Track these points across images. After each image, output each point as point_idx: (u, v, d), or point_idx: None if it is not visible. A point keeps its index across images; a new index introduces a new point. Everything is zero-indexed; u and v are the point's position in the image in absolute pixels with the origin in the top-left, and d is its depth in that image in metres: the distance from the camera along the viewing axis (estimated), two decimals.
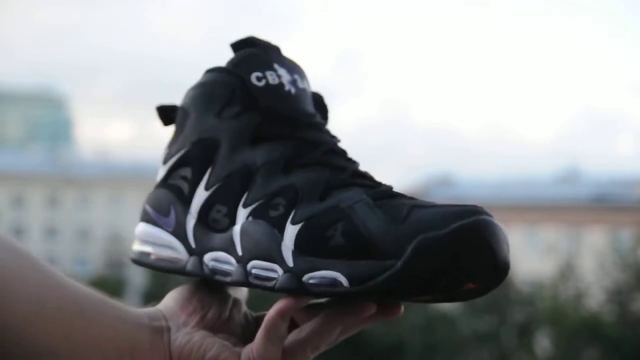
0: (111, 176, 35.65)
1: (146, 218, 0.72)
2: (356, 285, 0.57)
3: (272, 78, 0.65)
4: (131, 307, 0.66)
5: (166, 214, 0.69)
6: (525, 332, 15.90)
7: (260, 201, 0.63)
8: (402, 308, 0.62)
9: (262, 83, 0.65)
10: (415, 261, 0.55)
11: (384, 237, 0.57)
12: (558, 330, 14.61)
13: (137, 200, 35.77)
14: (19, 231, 31.95)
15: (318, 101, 0.69)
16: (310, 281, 0.59)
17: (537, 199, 26.76)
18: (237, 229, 0.63)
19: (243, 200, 0.64)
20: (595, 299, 15.26)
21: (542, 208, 26.06)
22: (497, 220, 0.57)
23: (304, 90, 0.67)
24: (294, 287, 0.60)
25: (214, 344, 0.64)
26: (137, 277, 28.11)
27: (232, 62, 0.67)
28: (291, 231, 0.61)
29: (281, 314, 0.60)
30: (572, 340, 14.19)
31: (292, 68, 0.67)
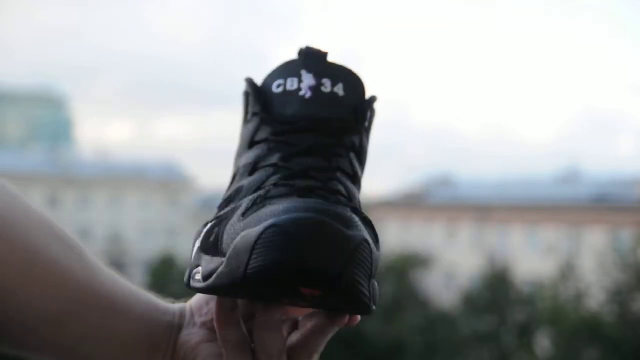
0: (111, 176, 35.63)
1: None
2: (204, 281, 0.57)
3: (290, 84, 0.64)
4: (160, 302, 0.67)
5: None
6: (525, 332, 15.89)
7: (221, 202, 0.64)
8: (347, 318, 0.61)
9: (280, 89, 0.65)
10: (231, 260, 0.54)
11: (227, 234, 0.57)
12: (558, 330, 14.60)
13: (137, 200, 35.82)
14: None
15: (358, 106, 0.65)
16: (196, 275, 0.59)
17: (537, 199, 26.74)
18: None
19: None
20: (595, 299, 15.25)
21: (542, 208, 26.04)
22: (331, 220, 0.52)
23: (329, 93, 0.64)
24: (186, 283, 0.61)
25: (206, 349, 0.64)
26: (137, 278, 28.10)
27: (268, 74, 0.67)
28: (205, 229, 0.62)
29: (215, 319, 0.61)
30: (572, 340, 14.18)
31: (325, 73, 0.65)
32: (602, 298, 15.07)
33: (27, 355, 0.63)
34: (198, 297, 0.68)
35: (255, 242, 0.52)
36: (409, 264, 17.66)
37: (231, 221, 0.58)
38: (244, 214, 0.57)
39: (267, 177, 0.61)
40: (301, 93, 0.64)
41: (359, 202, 0.63)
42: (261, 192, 0.59)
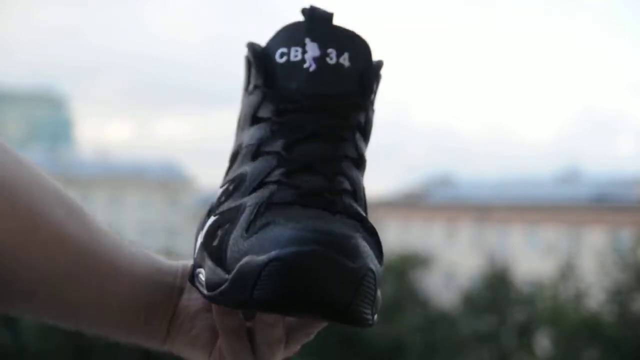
0: (111, 176, 35.63)
1: None
2: (209, 291, 0.58)
3: (294, 54, 0.61)
4: (164, 262, 0.67)
5: None
6: (525, 332, 15.89)
7: (225, 185, 0.62)
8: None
9: (284, 60, 0.61)
10: (235, 283, 0.54)
11: (231, 250, 0.56)
12: (558, 330, 14.60)
13: (137, 200, 35.82)
14: None
15: (365, 77, 0.62)
16: (200, 276, 0.59)
17: (537, 199, 26.73)
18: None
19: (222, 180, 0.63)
20: (595, 299, 15.25)
21: (542, 208, 26.03)
22: (336, 253, 0.52)
23: (335, 66, 0.61)
24: (190, 280, 0.61)
25: (204, 320, 0.64)
26: None
27: (269, 37, 0.63)
28: (208, 223, 0.61)
29: (213, 306, 0.62)
30: (572, 340, 14.18)
31: (331, 41, 0.61)
32: (602, 298, 15.06)
33: (27, 315, 0.64)
34: None
35: (260, 272, 0.52)
36: (409, 264, 17.65)
37: (235, 234, 0.57)
38: (247, 230, 0.56)
39: (271, 170, 0.59)
40: (305, 66, 0.61)
41: (363, 191, 0.62)
42: (265, 193, 0.57)
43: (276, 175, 0.58)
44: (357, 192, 0.61)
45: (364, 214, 0.60)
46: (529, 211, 26.04)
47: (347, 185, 0.60)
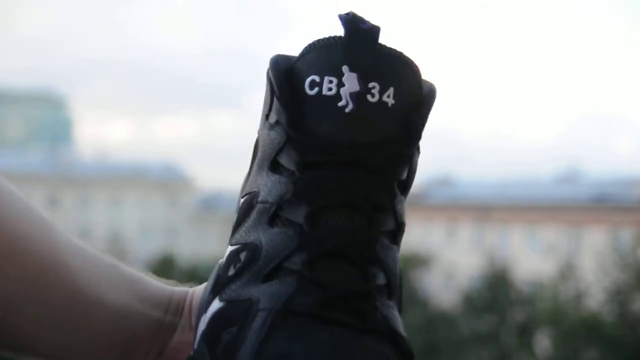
0: (111, 176, 35.64)
1: None
2: None
3: (328, 86, 0.48)
4: (153, 290, 0.57)
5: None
6: (525, 332, 15.91)
7: (237, 246, 0.51)
8: None
9: (314, 92, 0.48)
10: None
11: None
12: (558, 330, 14.61)
13: (137, 200, 35.83)
14: None
15: (412, 118, 0.50)
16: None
17: (537, 199, 26.74)
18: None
19: (232, 235, 0.52)
20: (595, 299, 15.27)
21: (542, 208, 26.05)
22: None
23: (377, 105, 0.48)
24: None
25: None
26: None
27: (300, 54, 0.50)
28: (212, 308, 0.50)
29: None
30: (572, 340, 14.19)
31: (375, 72, 0.48)
32: (602, 298, 15.08)
33: None
34: (202, 291, 0.57)
35: None
36: (409, 264, 17.67)
37: (243, 351, 0.46)
38: (261, 346, 0.45)
39: (290, 252, 0.48)
40: (341, 104, 0.48)
41: (398, 268, 0.52)
42: (282, 291, 0.47)
43: (296, 262, 0.47)
44: (392, 284, 0.50)
45: (399, 328, 0.49)
46: (529, 211, 26.05)
47: (381, 278, 0.49)
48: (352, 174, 0.48)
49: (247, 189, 0.52)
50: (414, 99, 0.50)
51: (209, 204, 36.23)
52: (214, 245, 25.48)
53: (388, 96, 0.48)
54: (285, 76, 0.49)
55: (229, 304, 0.49)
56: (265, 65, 0.52)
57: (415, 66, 0.50)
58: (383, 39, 0.50)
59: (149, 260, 26.68)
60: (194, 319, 0.55)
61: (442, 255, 24.01)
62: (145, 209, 35.54)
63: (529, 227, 25.83)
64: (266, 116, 0.51)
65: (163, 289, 0.58)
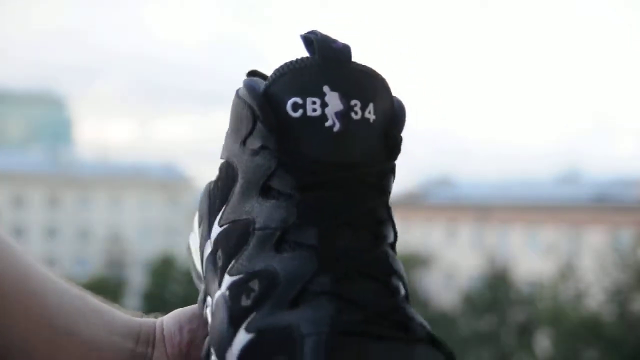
0: (111, 176, 35.64)
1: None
2: None
3: (312, 107, 0.48)
4: (122, 321, 0.56)
5: (199, 221, 0.57)
6: (525, 332, 15.91)
7: (241, 276, 0.48)
8: None
9: (299, 114, 0.48)
10: None
11: None
12: (558, 330, 14.62)
13: (137, 200, 35.83)
14: (19, 231, 31.95)
15: (390, 132, 0.50)
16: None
17: (537, 199, 26.74)
18: (213, 300, 0.51)
19: (230, 264, 0.50)
20: (595, 299, 15.28)
21: (542, 208, 26.05)
22: None
23: (360, 122, 0.48)
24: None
25: None
26: (137, 278, 28.11)
27: (272, 77, 0.49)
28: (240, 341, 0.46)
29: None
30: (572, 340, 14.20)
31: (354, 89, 0.48)
32: (602, 298, 15.09)
33: None
34: (172, 319, 0.56)
35: None
36: (409, 264, 17.67)
37: None
38: None
39: (312, 275, 0.46)
40: (328, 124, 0.48)
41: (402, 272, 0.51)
42: (321, 312, 0.45)
43: (323, 284, 0.46)
44: (408, 291, 0.50)
45: (430, 329, 0.49)
46: (529, 211, 26.05)
47: (401, 288, 0.49)
48: (352, 191, 0.48)
49: (231, 217, 0.51)
50: (389, 113, 0.50)
51: None
52: None
53: (369, 112, 0.49)
54: (264, 98, 0.49)
55: (260, 334, 0.46)
56: (265, 69, 0.51)
57: (386, 82, 0.51)
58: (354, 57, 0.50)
59: (149, 260, 26.70)
60: (169, 349, 0.55)
61: (442, 255, 24.02)
62: (145, 209, 35.54)
63: (529, 227, 25.83)
64: (243, 142, 0.50)
65: (131, 320, 0.56)
